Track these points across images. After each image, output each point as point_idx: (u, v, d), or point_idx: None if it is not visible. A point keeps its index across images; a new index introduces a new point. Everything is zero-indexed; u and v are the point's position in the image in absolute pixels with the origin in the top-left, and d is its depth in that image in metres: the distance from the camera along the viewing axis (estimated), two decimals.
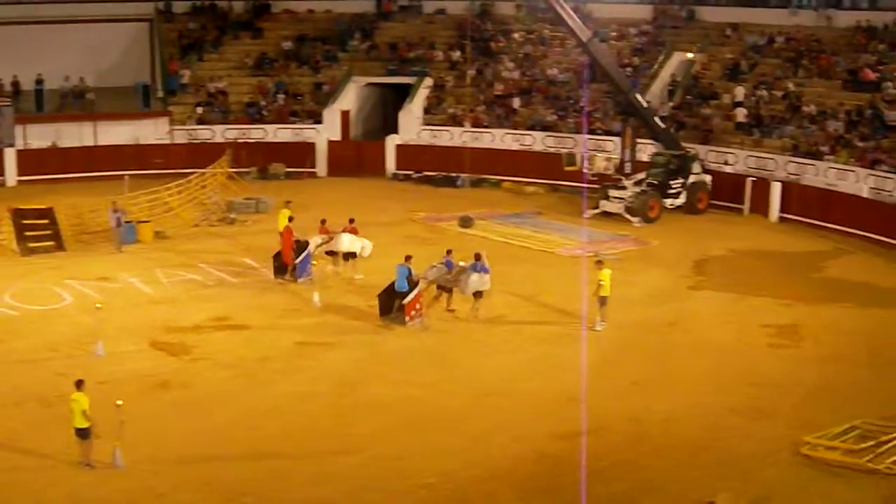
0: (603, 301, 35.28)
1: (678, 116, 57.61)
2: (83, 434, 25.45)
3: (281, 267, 41.51)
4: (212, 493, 24.77)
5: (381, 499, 24.72)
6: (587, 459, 25.15)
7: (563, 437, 27.40)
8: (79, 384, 25.73)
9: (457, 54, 64.39)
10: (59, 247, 45.13)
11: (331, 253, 41.86)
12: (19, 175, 58.25)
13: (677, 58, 61.73)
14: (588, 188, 52.66)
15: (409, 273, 36.57)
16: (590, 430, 27.26)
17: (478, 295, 36.48)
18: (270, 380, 31.42)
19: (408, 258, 37.16)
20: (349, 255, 41.60)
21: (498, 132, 60.09)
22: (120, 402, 25.68)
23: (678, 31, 63.56)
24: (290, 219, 42.33)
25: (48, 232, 45.41)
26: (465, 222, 48.99)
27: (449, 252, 37.72)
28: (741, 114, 56.20)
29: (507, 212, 52.24)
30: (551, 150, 58.23)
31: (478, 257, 36.72)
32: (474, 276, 36.33)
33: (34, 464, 26.02)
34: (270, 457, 26.47)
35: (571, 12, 51.52)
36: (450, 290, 37.20)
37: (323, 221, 42.38)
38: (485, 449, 27.05)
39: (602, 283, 35.29)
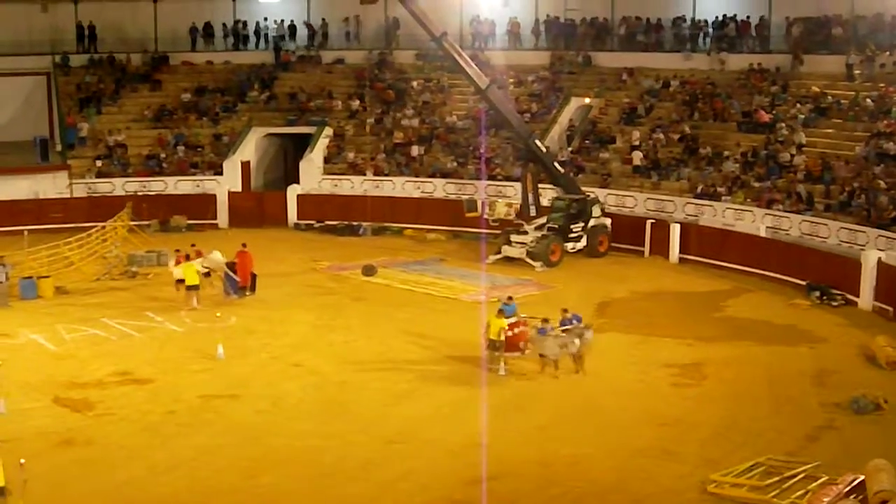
0: (501, 346, 35.48)
1: (577, 161, 58.25)
2: None
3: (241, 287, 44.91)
4: None
5: None
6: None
7: (471, 483, 27.45)
8: None
9: (356, 103, 64.63)
10: None
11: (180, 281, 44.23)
12: None
13: (575, 103, 62.47)
14: (489, 234, 53.00)
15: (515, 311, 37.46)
16: (497, 475, 27.39)
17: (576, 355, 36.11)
18: (176, 433, 31.19)
19: (510, 298, 39.28)
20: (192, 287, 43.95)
21: (399, 180, 60.30)
22: (23, 461, 25.36)
23: (575, 77, 64.28)
24: (244, 245, 46.45)
25: None
26: (368, 271, 49.07)
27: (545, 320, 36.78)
28: (638, 157, 56.89)
29: (410, 259, 52.37)
30: (452, 196, 58.53)
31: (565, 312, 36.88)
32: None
33: None
34: None
35: (469, 60, 51.97)
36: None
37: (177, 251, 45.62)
38: (392, 497, 27.03)
39: (495, 328, 35.62)
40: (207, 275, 44.96)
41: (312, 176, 61.87)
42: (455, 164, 60.21)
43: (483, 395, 33.17)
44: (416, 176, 60.41)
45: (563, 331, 35.66)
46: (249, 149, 63.70)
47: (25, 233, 50.10)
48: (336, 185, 61.50)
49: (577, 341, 35.44)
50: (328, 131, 63.57)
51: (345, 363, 36.98)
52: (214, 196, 61.07)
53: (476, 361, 36.16)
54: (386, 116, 64.07)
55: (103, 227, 52.68)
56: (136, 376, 36.04)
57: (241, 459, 29.28)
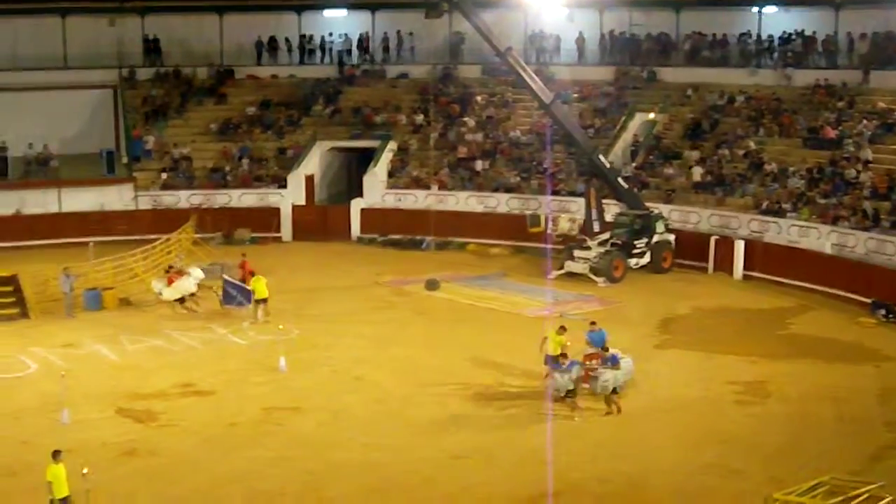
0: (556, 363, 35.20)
1: (641, 176, 57.91)
2: None
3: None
4: None
5: None
6: None
7: (532, 500, 27.39)
8: (55, 455, 25.55)
9: (420, 118, 64.67)
10: (24, 314, 45.00)
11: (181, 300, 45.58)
12: None
13: (639, 118, 62.17)
14: (552, 249, 52.88)
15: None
16: (556, 492, 27.29)
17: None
18: (238, 445, 31.28)
19: (594, 324, 37.41)
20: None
21: (462, 195, 60.22)
22: (86, 471, 25.54)
23: (640, 92, 63.99)
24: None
25: (12, 299, 45.32)
26: (431, 285, 49.05)
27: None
28: (700, 173, 56.51)
29: (473, 274, 52.28)
30: (515, 211, 58.40)
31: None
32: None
33: None
34: None
35: (533, 75, 51.89)
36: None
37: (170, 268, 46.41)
38: None
39: (555, 344, 35.40)
40: (182, 300, 45.81)
41: (376, 190, 61.91)
42: (518, 178, 60.08)
43: (544, 410, 33.03)
44: (480, 190, 60.29)
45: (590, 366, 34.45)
46: (314, 162, 63.83)
47: (91, 244, 50.57)
48: (399, 200, 61.50)
49: (607, 378, 33.61)
50: (392, 145, 63.61)
51: (407, 377, 36.96)
52: (278, 209, 61.26)
53: (538, 377, 35.96)
54: (450, 131, 64.04)
55: (168, 240, 52.95)
56: (198, 388, 36.22)
57: (303, 472, 29.33)
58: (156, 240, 52.51)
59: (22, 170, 61.99)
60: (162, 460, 30.24)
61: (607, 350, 34.65)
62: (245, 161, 63.71)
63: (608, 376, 33.55)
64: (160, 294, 45.47)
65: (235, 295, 44.47)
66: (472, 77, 68.19)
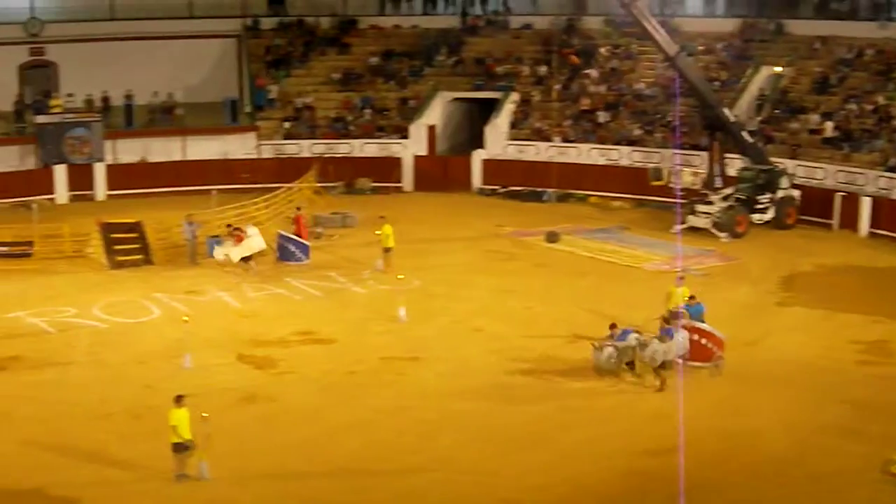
0: (680, 317, 34.85)
1: (766, 131, 57.04)
2: (178, 448, 25.65)
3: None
4: None
5: None
6: (676, 477, 24.91)
7: (652, 454, 27.24)
8: (178, 400, 25.91)
9: (543, 69, 64.27)
10: (148, 261, 45.63)
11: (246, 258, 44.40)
12: (109, 189, 58.92)
13: (765, 72, 61.15)
14: (674, 203, 52.41)
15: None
16: (676, 448, 27.04)
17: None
18: (356, 394, 31.47)
19: (692, 298, 34.91)
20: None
21: (584, 147, 59.82)
22: (206, 415, 25.86)
23: (766, 45, 62.96)
24: (298, 208, 48.04)
25: (137, 246, 45.93)
26: (552, 237, 48.86)
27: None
28: (830, 128, 55.57)
29: (594, 227, 51.96)
30: (638, 164, 57.90)
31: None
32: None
33: (122, 476, 26.31)
34: (354, 472, 26.52)
35: (658, 27, 51.22)
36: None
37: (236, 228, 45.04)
38: (573, 465, 26.93)
39: (676, 299, 35.00)
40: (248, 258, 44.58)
41: (498, 141, 61.71)
42: (641, 131, 59.54)
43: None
44: (602, 143, 59.81)
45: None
46: (435, 113, 63.74)
47: (214, 192, 51.01)
48: (521, 151, 61.23)
49: (655, 349, 31.89)
50: (514, 97, 63.29)
51: (526, 329, 36.90)
52: (400, 159, 61.35)
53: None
54: (573, 83, 63.59)
55: (290, 189, 53.33)
56: (318, 336, 36.49)
57: (421, 422, 29.43)
58: (278, 188, 52.96)
59: (147, 118, 62.78)
60: (280, 407, 30.52)
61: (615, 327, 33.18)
62: (367, 111, 63.85)
63: (656, 347, 31.85)
64: (227, 257, 44.29)
65: (294, 250, 44.99)
66: (595, 28, 67.56)
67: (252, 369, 33.62)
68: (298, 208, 48.21)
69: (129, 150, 60.61)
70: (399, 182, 61.12)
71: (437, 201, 57.47)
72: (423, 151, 62.31)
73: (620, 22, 63.83)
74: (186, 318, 35.21)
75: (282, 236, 45.54)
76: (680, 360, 32.08)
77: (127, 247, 45.59)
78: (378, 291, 41.40)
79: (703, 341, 33.04)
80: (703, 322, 33.72)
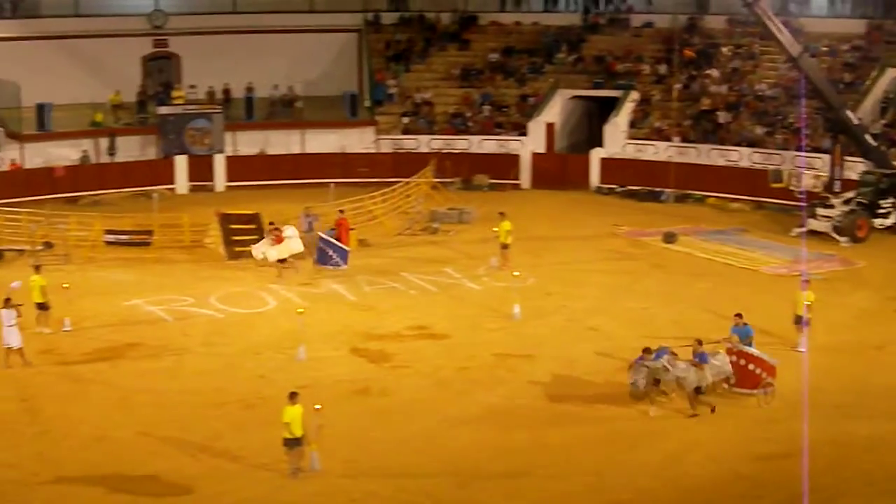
0: (804, 322, 34.30)
1: (890, 134, 56.08)
2: (290, 444, 25.81)
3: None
4: (406, 499, 24.88)
5: None
6: (785, 482, 24.59)
7: (761, 459, 26.90)
8: (291, 396, 26.08)
9: (663, 68, 63.74)
10: None
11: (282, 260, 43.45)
12: (228, 180, 59.60)
13: (891, 74, 60.06)
14: (794, 206, 51.65)
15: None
16: (787, 453, 26.65)
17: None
18: (468, 390, 31.43)
19: (739, 316, 32.60)
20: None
21: (704, 147, 59.17)
22: (318, 407, 25.96)
23: (892, 47, 61.90)
24: (341, 210, 46.28)
25: (254, 237, 46.20)
26: (669, 238, 48.45)
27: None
28: None
29: (711, 228, 51.42)
30: (758, 166, 57.18)
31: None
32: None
33: (233, 465, 26.56)
34: (464, 469, 26.45)
35: (782, 27, 50.54)
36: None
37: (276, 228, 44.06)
38: (680, 468, 26.67)
39: (807, 303, 34.42)
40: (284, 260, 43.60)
41: (616, 140, 61.29)
42: (762, 132, 58.81)
43: (781, 372, 32.30)
44: (722, 143, 59.14)
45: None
46: (554, 110, 63.47)
47: (332, 186, 51.29)
48: (640, 151, 60.75)
49: (681, 375, 29.86)
50: (634, 95, 62.83)
51: (640, 330, 36.56)
52: (517, 156, 61.23)
53: (775, 335, 35.15)
54: (693, 82, 63.01)
55: (407, 183, 53.46)
56: (432, 331, 36.54)
57: (533, 420, 29.35)
58: (396, 183, 53.10)
59: (267, 110, 63.39)
60: (393, 401, 30.58)
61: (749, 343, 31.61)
62: (486, 107, 63.81)
63: (683, 374, 29.77)
64: (264, 256, 43.47)
65: (331, 254, 43.87)
66: (717, 28, 66.82)
67: (366, 363, 33.75)
68: (341, 211, 47.21)
69: (248, 142, 61.34)
70: (516, 179, 60.97)
71: (555, 199, 57.27)
72: (542, 149, 62.09)
73: (743, 21, 63.08)
74: (301, 310, 35.41)
75: (322, 240, 44.65)
76: (727, 386, 30.95)
77: (245, 238, 45.93)
78: (493, 288, 41.33)
79: (751, 366, 31.07)
80: (751, 346, 31.77)
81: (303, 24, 66.55)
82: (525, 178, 61.11)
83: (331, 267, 43.56)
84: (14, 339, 33.00)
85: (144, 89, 63.52)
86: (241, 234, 46.26)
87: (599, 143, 61.53)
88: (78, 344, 35.32)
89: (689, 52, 62.80)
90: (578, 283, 41.92)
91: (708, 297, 40.18)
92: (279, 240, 43.33)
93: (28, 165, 57.74)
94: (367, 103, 64.96)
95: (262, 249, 43.49)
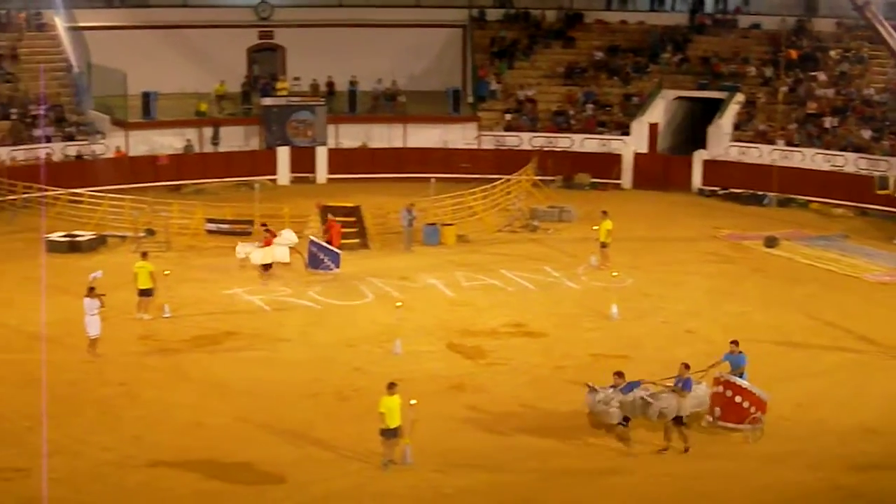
0: None
1: None
2: (386, 435, 25.89)
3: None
4: (497, 500, 24.83)
5: None
6: (883, 496, 24.22)
7: (859, 469, 26.45)
8: (390, 387, 26.12)
9: (769, 70, 63.08)
10: (364, 245, 46.19)
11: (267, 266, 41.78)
12: (329, 173, 59.90)
13: None
14: None
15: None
16: (887, 466, 26.27)
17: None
18: (563, 389, 31.24)
19: (735, 343, 30.14)
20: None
21: (808, 151, 58.45)
22: (414, 402, 25.98)
23: None
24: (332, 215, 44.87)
25: (354, 230, 46.47)
26: (771, 242, 47.92)
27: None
28: None
29: (814, 233, 50.79)
30: (863, 172, 56.38)
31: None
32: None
33: (326, 455, 26.67)
34: (556, 468, 26.35)
35: (892, 31, 49.88)
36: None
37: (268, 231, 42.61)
38: (775, 475, 26.31)
39: None
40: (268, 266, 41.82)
41: (720, 142, 60.71)
42: (869, 138, 58.01)
43: (882, 380, 31.86)
44: (827, 148, 58.37)
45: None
46: (658, 111, 63.04)
47: (433, 180, 51.32)
48: (743, 153, 60.09)
49: (665, 405, 27.51)
50: (739, 97, 62.23)
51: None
52: (620, 156, 60.90)
53: (877, 343, 34.66)
54: (800, 85, 62.30)
55: (508, 180, 53.38)
56: (529, 329, 36.46)
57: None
58: (497, 180, 53.03)
59: (370, 104, 63.63)
60: (488, 398, 30.53)
61: (741, 372, 29.09)
62: (589, 106, 63.56)
63: (666, 403, 27.37)
64: (247, 257, 41.49)
65: (322, 258, 42.49)
66: (826, 30, 66.01)
67: (462, 359, 33.74)
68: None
69: (350, 135, 61.64)
70: (618, 179, 60.66)
71: (656, 200, 56.90)
72: (644, 149, 61.68)
73: (852, 25, 62.30)
74: (399, 304, 35.46)
75: (313, 244, 43.07)
76: (711, 419, 28.62)
77: (345, 230, 46.15)
78: (591, 287, 41.18)
79: (738, 399, 28.48)
80: (743, 376, 29.10)
81: (408, 18, 66.90)
82: (626, 178, 60.74)
83: (322, 270, 42.27)
84: (93, 328, 33.08)
85: (249, 80, 64.08)
86: (341, 226, 46.46)
87: (702, 145, 61.02)
88: (177, 330, 35.72)
89: (791, 53, 62.07)
90: (677, 285, 41.62)
91: (809, 302, 39.71)
92: (268, 243, 41.79)
93: (132, 153, 58.42)
94: (470, 99, 65.05)
95: (247, 250, 41.69)
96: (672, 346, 34.95)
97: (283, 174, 59.56)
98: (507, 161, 58.16)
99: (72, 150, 56.68)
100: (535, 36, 68.31)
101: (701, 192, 59.39)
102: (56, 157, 55.67)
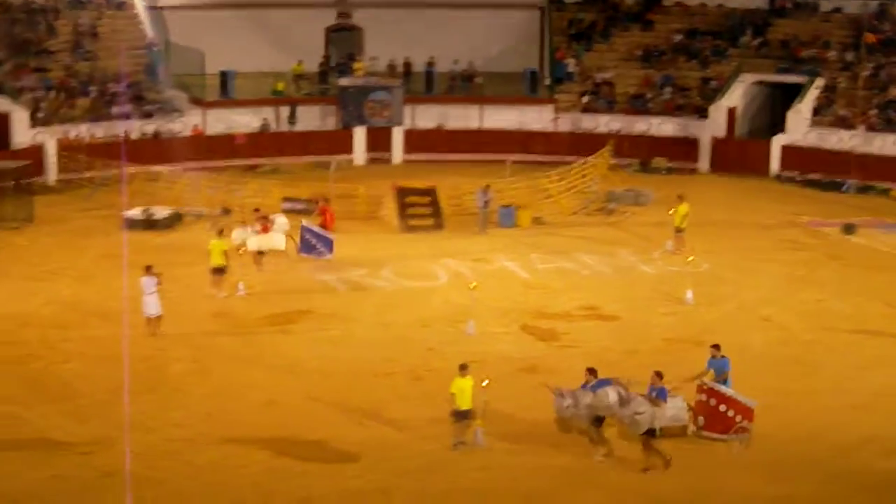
0: None
1: None
2: (457, 416, 25.90)
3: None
4: (567, 482, 24.84)
5: None
6: None
7: None
8: (462, 368, 26.10)
9: (851, 55, 62.36)
10: (439, 226, 46.20)
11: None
12: (405, 153, 59.99)
13: None
14: None
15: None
16: None
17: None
18: (635, 374, 30.64)
19: (716, 347, 28.69)
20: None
21: (889, 137, 57.65)
22: (486, 383, 25.94)
23: None
24: (326, 199, 44.05)
25: (429, 210, 46.53)
26: (849, 229, 47.38)
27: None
28: None
29: (893, 221, 50.13)
30: None
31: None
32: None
33: (399, 436, 26.77)
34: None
35: None
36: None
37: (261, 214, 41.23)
38: (847, 463, 26.08)
39: None
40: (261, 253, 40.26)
41: (799, 127, 60.06)
42: None
43: None
44: None
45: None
46: (737, 95, 62.41)
47: (509, 162, 51.24)
48: (823, 139, 59.42)
49: (640, 410, 25.40)
50: (819, 82, 61.53)
51: (814, 322, 35.88)
52: (697, 140, 60.45)
53: None
54: (882, 70, 61.55)
55: (584, 163, 53.17)
56: (602, 312, 36.32)
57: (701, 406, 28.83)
58: (573, 162, 52.83)
59: (446, 85, 63.61)
60: (560, 380, 30.22)
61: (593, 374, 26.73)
62: (667, 89, 63.15)
63: (642, 409, 25.34)
64: (244, 244, 39.52)
65: (315, 244, 41.34)
66: None
67: (535, 340, 33.68)
68: (326, 200, 44.50)
69: (427, 116, 61.65)
70: (695, 163, 60.23)
71: (733, 185, 56.41)
72: (722, 133, 61.15)
73: None
74: (474, 285, 35.42)
75: (306, 229, 41.69)
76: (694, 428, 27.03)
77: (419, 211, 46.25)
78: (666, 272, 40.92)
79: (722, 408, 26.90)
80: (727, 382, 27.76)
81: (486, 0, 66.61)
82: (704, 162, 60.28)
83: (315, 256, 41.32)
84: (153, 307, 33.06)
85: (326, 60, 64.23)
86: (416, 207, 46.55)
87: (781, 130, 60.43)
88: (251, 309, 35.89)
89: (870, 37, 61.28)
90: (753, 272, 41.22)
91: (887, 290, 39.19)
92: (265, 229, 40.24)
93: (210, 132, 58.79)
94: (547, 81, 64.83)
95: (244, 237, 39.73)
96: (747, 332, 34.70)
97: (360, 154, 59.72)
98: (584, 144, 57.92)
99: (150, 127, 57.16)
100: (614, 18, 67.98)
101: (779, 178, 58.78)
102: (134, 135, 56.13)
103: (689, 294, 37.40)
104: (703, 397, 27.08)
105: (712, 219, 47.74)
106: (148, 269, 33.24)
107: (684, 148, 60.16)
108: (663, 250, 43.27)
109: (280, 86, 61.31)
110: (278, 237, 40.53)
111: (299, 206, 47.03)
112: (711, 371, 27.81)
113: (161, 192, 49.13)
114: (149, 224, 45.13)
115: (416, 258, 41.87)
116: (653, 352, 32.76)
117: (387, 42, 64.14)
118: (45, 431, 26.87)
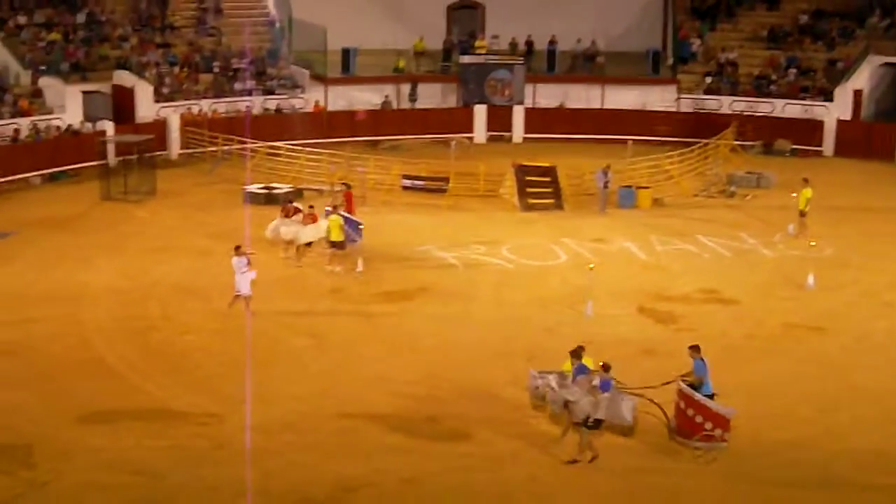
0: None
1: None
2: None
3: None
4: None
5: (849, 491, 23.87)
6: None
7: None
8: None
9: None
10: (558, 205, 46.07)
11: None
12: (525, 132, 59.91)
13: None
14: None
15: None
16: None
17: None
18: (752, 358, 30.78)
19: (695, 349, 26.93)
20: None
21: None
22: (592, 266, 25.76)
23: None
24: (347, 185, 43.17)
25: (549, 190, 46.41)
26: None
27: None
28: None
29: None
30: None
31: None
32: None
33: (511, 415, 26.72)
34: (743, 437, 25.86)
35: None
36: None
37: (311, 207, 39.98)
38: None
39: None
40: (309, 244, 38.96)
41: None
42: None
43: None
44: None
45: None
46: (863, 77, 61.38)
47: (630, 143, 50.94)
48: None
49: (573, 397, 24.51)
50: None
51: None
52: (822, 123, 59.53)
53: None
54: None
55: (706, 144, 52.68)
56: (721, 296, 35.93)
57: (819, 394, 28.43)
58: (694, 144, 52.40)
59: (568, 64, 63.41)
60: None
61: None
62: (792, 71, 62.29)
63: (573, 398, 24.41)
64: (296, 237, 38.36)
65: (349, 232, 38.90)
66: None
67: (652, 323, 33.42)
68: (348, 185, 43.35)
69: (548, 95, 61.61)
70: (819, 146, 59.36)
71: (858, 168, 55.48)
72: (848, 116, 60.18)
73: None
74: (592, 266, 35.25)
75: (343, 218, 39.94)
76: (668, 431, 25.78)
77: (539, 190, 46.15)
78: (787, 256, 40.37)
79: (690, 412, 25.57)
80: (705, 384, 26.06)
81: None
82: (828, 145, 59.39)
83: (349, 243, 38.78)
84: (244, 286, 32.66)
85: (449, 38, 64.27)
86: (535, 186, 46.47)
87: None
88: (368, 285, 36.07)
89: None
90: (877, 257, 40.48)
91: None
92: (314, 218, 38.89)
93: (331, 108, 59.20)
94: (670, 61, 64.31)
95: (294, 229, 38.57)
96: (869, 318, 34.14)
97: (480, 132, 59.78)
98: (706, 125, 57.46)
99: (271, 103, 57.64)
100: None
101: None
102: (255, 111, 56.65)
103: (811, 279, 36.83)
104: (677, 399, 26.00)
105: (836, 203, 46.97)
106: (237, 249, 32.99)
107: (808, 130, 59.27)
108: (785, 234, 42.71)
109: (401, 63, 61.59)
110: (324, 224, 38.64)
111: (419, 184, 47.17)
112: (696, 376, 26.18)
113: (281, 167, 49.53)
114: (269, 199, 45.47)
115: (534, 237, 41.81)
116: (771, 337, 32.44)
117: (508, 20, 64.22)
118: (164, 402, 27.29)
